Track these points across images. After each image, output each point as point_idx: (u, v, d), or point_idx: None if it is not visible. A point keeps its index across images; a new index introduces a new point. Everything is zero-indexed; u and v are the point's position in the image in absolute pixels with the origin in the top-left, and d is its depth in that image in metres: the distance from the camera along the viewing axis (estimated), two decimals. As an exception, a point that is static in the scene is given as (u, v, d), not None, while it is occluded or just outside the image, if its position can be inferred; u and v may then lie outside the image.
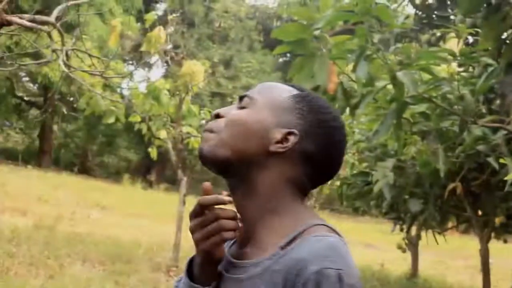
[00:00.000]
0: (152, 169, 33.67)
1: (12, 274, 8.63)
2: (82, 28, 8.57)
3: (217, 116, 1.58)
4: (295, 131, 1.51)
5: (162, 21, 10.97)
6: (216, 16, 37.59)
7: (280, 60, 37.62)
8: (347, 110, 5.17)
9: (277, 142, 1.50)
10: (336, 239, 1.41)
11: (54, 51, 6.09)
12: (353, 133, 7.99)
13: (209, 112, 14.96)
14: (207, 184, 1.49)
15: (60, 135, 36.29)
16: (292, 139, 1.50)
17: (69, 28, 15.04)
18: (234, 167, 1.51)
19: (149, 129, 11.32)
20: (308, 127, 1.53)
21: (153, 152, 11.90)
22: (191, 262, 1.57)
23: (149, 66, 39.44)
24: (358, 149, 8.35)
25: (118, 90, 22.74)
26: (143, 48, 9.69)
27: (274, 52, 4.89)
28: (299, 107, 1.55)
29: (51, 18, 5.54)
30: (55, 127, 34.89)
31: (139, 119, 11.27)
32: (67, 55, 6.61)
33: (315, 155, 1.52)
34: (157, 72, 40.42)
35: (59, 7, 5.78)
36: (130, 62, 36.69)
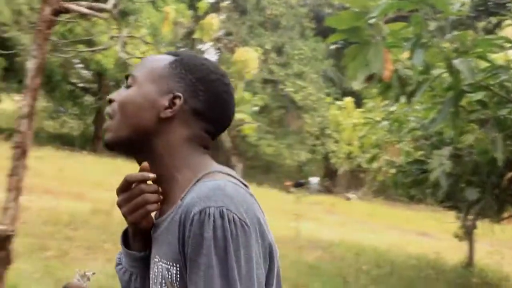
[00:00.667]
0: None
1: (70, 258, 8.81)
2: (136, 16, 8.64)
3: (110, 101, 1.69)
4: (179, 93, 1.62)
5: (214, 8, 11.02)
6: (268, 3, 37.51)
7: (332, 47, 37.33)
8: (402, 97, 5.15)
9: (166, 109, 1.61)
10: (224, 181, 1.49)
11: (112, 38, 6.18)
12: (408, 121, 7.93)
13: (262, 98, 15.00)
14: (145, 164, 1.59)
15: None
16: (178, 101, 1.61)
17: (122, 15, 15.21)
18: (137, 144, 1.63)
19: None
20: (190, 87, 1.64)
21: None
22: (126, 233, 1.70)
23: (201, 53, 39.74)
24: (414, 137, 8.28)
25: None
26: (195, 35, 9.73)
27: (328, 40, 4.90)
28: (177, 71, 1.65)
29: (108, 6, 5.61)
30: (108, 113, 35.34)
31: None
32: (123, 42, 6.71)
33: (205, 110, 1.64)
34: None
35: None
36: (183, 49, 36.95)
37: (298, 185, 31.43)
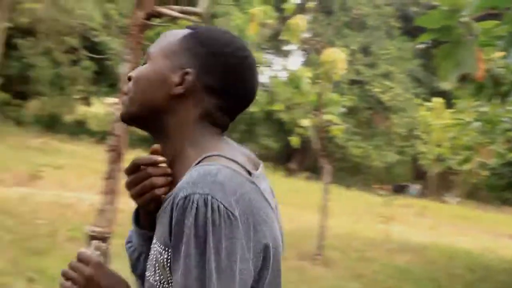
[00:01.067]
0: (293, 157, 33.91)
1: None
2: (224, 18, 8.73)
3: (130, 78, 1.65)
4: (189, 69, 1.56)
5: (300, 9, 11.00)
6: (353, 3, 37.26)
7: (419, 46, 36.77)
8: (496, 98, 5.04)
9: (177, 85, 1.56)
10: (219, 166, 1.42)
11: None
12: (501, 122, 7.73)
13: (351, 99, 14.91)
14: (156, 146, 1.57)
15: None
16: (188, 78, 1.56)
17: (210, 18, 15.41)
18: (148, 121, 1.60)
19: (291, 117, 11.39)
20: (203, 62, 1.57)
21: (295, 141, 11.97)
22: (137, 211, 1.67)
23: (287, 54, 39.75)
24: (507, 138, 8.06)
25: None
26: (282, 37, 9.74)
27: (418, 40, 4.83)
28: (190, 46, 1.59)
29: (199, 9, 5.70)
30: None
31: (282, 108, 11.34)
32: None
33: (219, 86, 1.57)
34: (295, 61, 40.65)
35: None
36: (268, 51, 37.08)
37: (398, 188, 31.10)
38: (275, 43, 33.58)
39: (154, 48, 1.64)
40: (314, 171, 26.49)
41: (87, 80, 31.57)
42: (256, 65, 1.68)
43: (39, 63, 29.90)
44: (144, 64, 1.65)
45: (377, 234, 13.92)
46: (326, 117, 11.39)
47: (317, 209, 11.43)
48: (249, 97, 1.65)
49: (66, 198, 11.97)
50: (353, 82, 34.76)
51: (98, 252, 1.57)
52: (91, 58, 28.56)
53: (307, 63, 30.63)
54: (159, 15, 5.17)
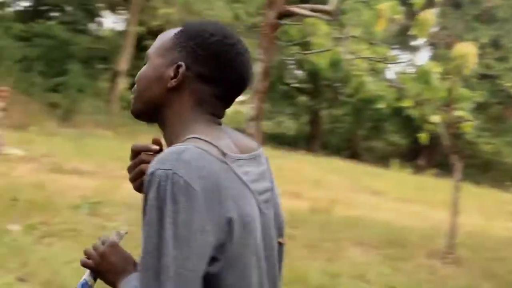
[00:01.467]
0: (421, 154, 33.27)
1: (292, 257, 9.03)
2: (351, 15, 8.71)
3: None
4: (180, 62, 1.70)
5: (428, 3, 10.81)
6: (483, -5, 36.15)
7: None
8: None
9: (172, 79, 1.70)
10: (189, 146, 1.55)
11: (340, 39, 6.28)
12: None
13: (482, 95, 14.50)
14: (156, 138, 1.74)
15: (328, 120, 37.15)
16: (181, 70, 1.69)
17: (339, 15, 15.37)
18: (152, 115, 1.76)
19: (420, 113, 11.20)
20: (191, 54, 1.70)
21: (423, 137, 11.73)
22: None
23: (414, 49, 39.01)
24: None
25: (385, 75, 22.76)
26: (411, 32, 9.60)
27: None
28: (180, 41, 1.73)
29: (330, 7, 5.72)
30: (323, 113, 35.80)
31: (411, 104, 11.17)
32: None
33: (210, 74, 1.70)
34: (421, 56, 39.75)
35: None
36: (395, 46, 36.54)
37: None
38: (402, 38, 33.04)
39: (151, 49, 1.79)
40: (442, 168, 25.87)
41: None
42: (246, 51, 1.78)
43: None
44: (144, 65, 1.80)
45: (507, 233, 13.47)
46: (457, 113, 11.12)
47: (446, 206, 11.20)
48: (241, 83, 1.76)
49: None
50: (482, 77, 33.70)
51: (117, 236, 1.75)
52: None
53: (434, 58, 29.98)
54: (290, 14, 5.23)
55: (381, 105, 10.65)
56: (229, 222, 1.53)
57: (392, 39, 32.51)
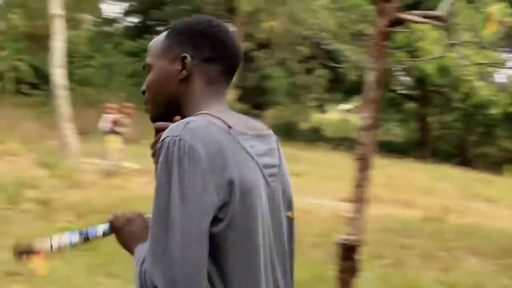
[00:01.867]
0: (534, 159, 32.02)
1: (406, 266, 8.89)
2: (459, 19, 8.52)
3: (144, 92, 1.98)
4: (184, 54, 1.87)
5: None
6: None
7: None
8: None
9: (181, 70, 1.88)
10: (196, 118, 1.74)
11: (452, 45, 6.16)
12: None
13: None
14: (177, 117, 1.84)
15: (437, 126, 36.45)
16: (188, 60, 1.87)
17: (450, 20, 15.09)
18: (170, 111, 1.90)
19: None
20: (190, 44, 1.89)
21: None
22: None
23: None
24: None
25: (493, 79, 22.11)
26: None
27: None
28: (174, 39, 1.91)
29: (441, 12, 5.60)
30: (432, 119, 35.16)
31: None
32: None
33: (212, 55, 1.89)
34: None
35: (448, 1, 5.81)
36: (505, 49, 35.48)
37: None
38: (510, 41, 32.08)
39: (148, 59, 1.97)
40: None
41: (322, 88, 32.20)
42: (229, 30, 1.96)
43: (274, 73, 31.01)
44: (147, 74, 1.96)
45: None
46: None
47: None
48: (236, 56, 1.94)
49: (307, 205, 12.25)
50: None
51: (147, 215, 1.90)
52: (325, 66, 29.08)
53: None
54: (401, 21, 5.15)
55: (494, 110, 10.30)
56: (231, 183, 1.68)
57: (501, 42, 31.63)
